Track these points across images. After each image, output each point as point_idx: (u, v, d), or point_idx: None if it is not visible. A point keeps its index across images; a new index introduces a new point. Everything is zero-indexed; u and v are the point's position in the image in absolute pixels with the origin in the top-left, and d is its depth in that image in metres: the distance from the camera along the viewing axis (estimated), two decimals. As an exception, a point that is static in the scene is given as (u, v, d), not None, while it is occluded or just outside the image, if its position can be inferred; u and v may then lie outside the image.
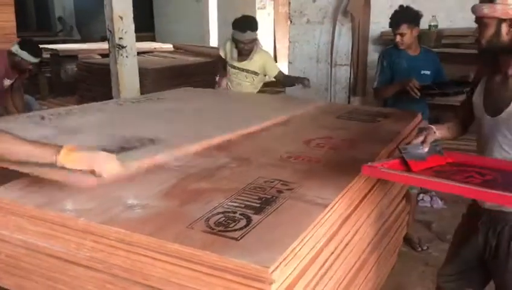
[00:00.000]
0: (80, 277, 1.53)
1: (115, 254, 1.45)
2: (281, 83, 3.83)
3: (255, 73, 3.76)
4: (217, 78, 3.94)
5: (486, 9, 1.68)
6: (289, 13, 4.95)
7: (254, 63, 3.73)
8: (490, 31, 1.70)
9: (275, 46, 11.50)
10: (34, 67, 3.67)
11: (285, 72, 5.21)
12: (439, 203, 3.94)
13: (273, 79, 3.97)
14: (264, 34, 11.22)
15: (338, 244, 1.76)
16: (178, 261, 1.34)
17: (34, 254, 1.60)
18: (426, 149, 1.79)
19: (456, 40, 4.06)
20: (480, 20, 1.73)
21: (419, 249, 3.33)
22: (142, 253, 1.40)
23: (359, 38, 4.47)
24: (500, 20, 1.67)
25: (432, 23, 3.99)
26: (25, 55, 3.42)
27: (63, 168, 1.46)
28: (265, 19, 11.18)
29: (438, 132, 1.87)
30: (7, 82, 3.59)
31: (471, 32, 4.02)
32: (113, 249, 1.45)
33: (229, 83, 3.85)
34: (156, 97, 3.30)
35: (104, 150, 1.59)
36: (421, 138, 1.80)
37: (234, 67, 3.80)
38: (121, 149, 1.94)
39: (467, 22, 4.19)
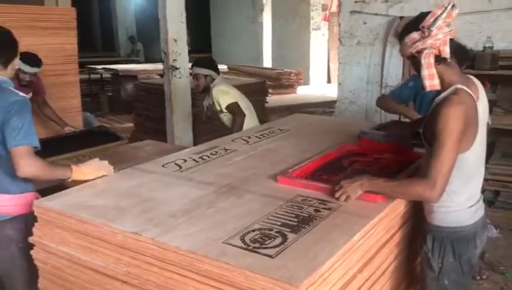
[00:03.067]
0: (117, 291, 1.58)
1: (150, 271, 1.50)
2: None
3: (222, 111, 3.64)
4: None
5: (401, 52, 1.82)
6: (339, 35, 4.95)
7: (212, 99, 3.65)
8: (413, 66, 1.81)
9: (328, 67, 11.51)
10: (34, 78, 3.61)
11: (335, 91, 5.19)
12: (493, 232, 3.75)
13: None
14: (318, 54, 11.28)
15: (374, 271, 1.72)
16: (208, 280, 1.37)
17: (76, 267, 1.68)
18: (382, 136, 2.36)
19: (514, 61, 3.90)
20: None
21: (478, 278, 3.17)
22: (174, 270, 1.44)
23: (411, 59, 4.39)
24: (412, 57, 1.76)
25: (487, 45, 3.86)
26: (21, 65, 3.38)
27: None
28: (319, 40, 11.24)
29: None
30: None
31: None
32: (148, 266, 1.50)
33: None
34: (277, 128, 2.94)
35: None
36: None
37: (208, 108, 3.81)
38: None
39: (525, 43, 4.05)
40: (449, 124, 1.62)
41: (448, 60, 1.72)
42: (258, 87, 6.22)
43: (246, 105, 3.70)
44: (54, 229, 1.73)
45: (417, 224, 2.10)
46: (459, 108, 1.64)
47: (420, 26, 1.68)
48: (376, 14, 4.62)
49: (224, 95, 3.61)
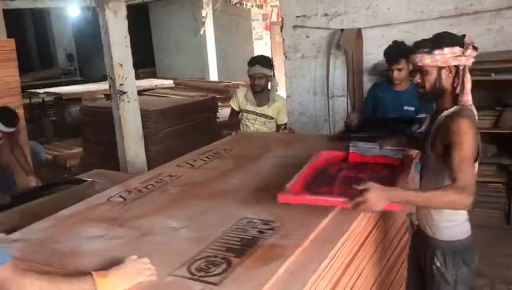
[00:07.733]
0: None
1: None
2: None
3: (272, 118, 3.78)
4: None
5: (428, 60, 1.88)
6: (284, 49, 5.07)
7: (273, 108, 3.76)
8: (432, 77, 1.92)
9: (273, 75, 11.67)
10: (5, 136, 3.57)
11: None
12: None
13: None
14: (263, 63, 11.42)
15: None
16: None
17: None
18: (376, 150, 2.32)
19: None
20: (420, 68, 1.93)
21: None
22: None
23: (354, 70, 4.57)
24: (440, 68, 1.89)
25: (423, 53, 4.07)
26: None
27: None
28: (262, 49, 11.39)
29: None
30: None
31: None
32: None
33: (243, 129, 3.82)
34: (221, 148, 3.01)
35: None
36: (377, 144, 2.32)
37: (253, 112, 3.79)
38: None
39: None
40: (467, 137, 1.78)
41: None
42: (208, 104, 6.26)
43: None
44: None
45: (382, 232, 2.21)
46: (471, 121, 1.82)
47: (466, 44, 1.83)
48: (318, 28, 4.77)
49: (285, 111, 3.83)
